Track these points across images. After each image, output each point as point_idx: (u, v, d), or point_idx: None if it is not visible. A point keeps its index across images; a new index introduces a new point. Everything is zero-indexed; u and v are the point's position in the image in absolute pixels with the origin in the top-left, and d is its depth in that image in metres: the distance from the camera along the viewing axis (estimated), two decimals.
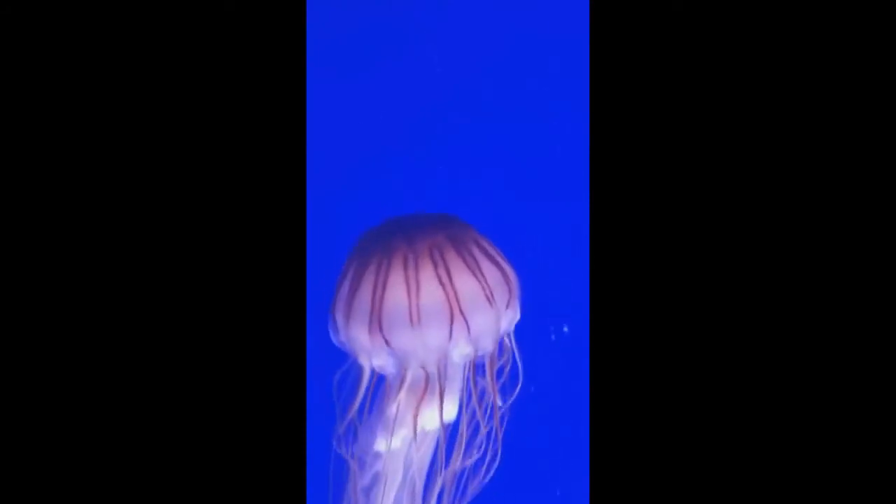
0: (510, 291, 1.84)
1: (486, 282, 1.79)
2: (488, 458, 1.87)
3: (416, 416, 1.83)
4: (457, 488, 1.87)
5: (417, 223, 1.81)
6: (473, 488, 1.87)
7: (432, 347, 1.76)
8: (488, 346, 1.81)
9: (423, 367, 1.78)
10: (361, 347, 1.81)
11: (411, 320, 1.75)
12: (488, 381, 1.83)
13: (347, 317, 1.81)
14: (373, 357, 1.79)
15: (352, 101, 3.16)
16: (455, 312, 1.75)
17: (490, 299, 1.79)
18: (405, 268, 1.74)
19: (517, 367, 1.85)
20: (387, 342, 1.76)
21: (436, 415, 1.82)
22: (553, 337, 2.81)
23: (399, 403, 1.82)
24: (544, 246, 2.92)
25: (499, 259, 1.85)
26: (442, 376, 1.77)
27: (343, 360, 2.02)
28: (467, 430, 1.85)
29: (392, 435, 1.84)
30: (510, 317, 1.85)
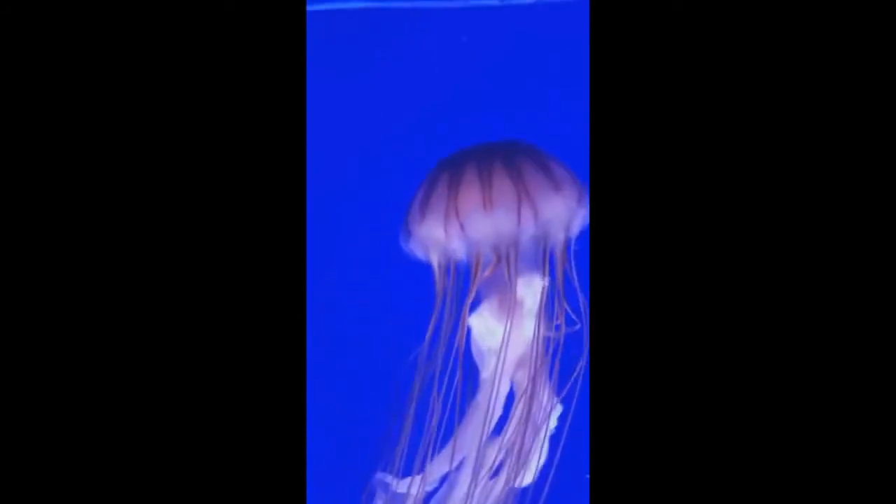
0: (578, 189, 2.01)
1: (553, 175, 1.98)
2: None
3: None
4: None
5: (490, 147, 2.02)
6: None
7: (504, 231, 1.94)
8: (558, 234, 1.99)
9: (496, 252, 1.97)
10: (435, 240, 1.98)
11: (484, 205, 1.92)
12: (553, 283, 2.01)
13: (423, 215, 1.99)
14: (447, 245, 1.96)
15: (352, 102, 3.16)
16: (522, 197, 1.93)
17: (557, 189, 1.97)
18: (479, 172, 1.95)
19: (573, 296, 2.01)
20: (462, 227, 1.93)
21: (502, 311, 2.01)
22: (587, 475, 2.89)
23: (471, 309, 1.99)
24: None
25: (567, 169, 2.02)
26: (513, 262, 1.95)
27: (343, 358, 2.04)
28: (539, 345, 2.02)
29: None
30: (579, 212, 2.01)
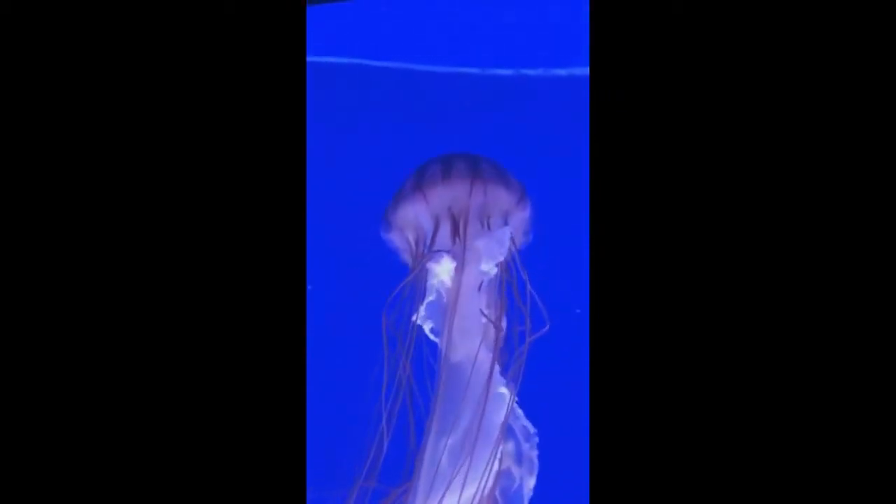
0: (521, 195, 2.28)
1: (503, 174, 2.27)
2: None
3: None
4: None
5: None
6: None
7: (459, 197, 2.21)
8: (498, 217, 2.25)
9: (454, 215, 2.22)
10: (406, 217, 2.26)
11: (442, 178, 2.23)
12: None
13: (395, 206, 2.27)
14: (415, 217, 2.23)
15: (352, 103, 3.16)
16: (476, 176, 2.22)
17: (505, 181, 2.26)
18: (441, 162, 2.26)
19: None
20: (424, 196, 2.22)
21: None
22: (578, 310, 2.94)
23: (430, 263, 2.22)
24: (543, 249, 2.92)
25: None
26: (466, 225, 2.22)
27: (342, 358, 2.05)
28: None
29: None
30: (520, 210, 2.29)
